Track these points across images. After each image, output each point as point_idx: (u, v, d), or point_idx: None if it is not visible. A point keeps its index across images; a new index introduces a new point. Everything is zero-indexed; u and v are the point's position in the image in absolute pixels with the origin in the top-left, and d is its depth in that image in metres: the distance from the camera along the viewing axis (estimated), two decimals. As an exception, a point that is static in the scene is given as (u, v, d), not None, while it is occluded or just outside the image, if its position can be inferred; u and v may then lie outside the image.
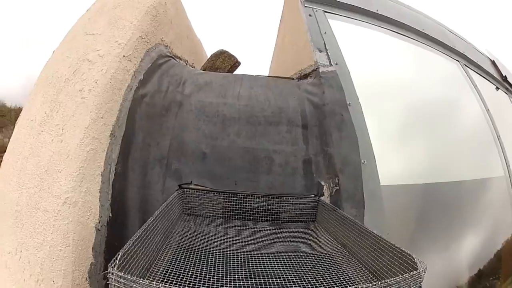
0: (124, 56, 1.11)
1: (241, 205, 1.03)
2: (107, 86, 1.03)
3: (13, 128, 1.08)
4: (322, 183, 1.09)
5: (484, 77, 2.62)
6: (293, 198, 1.05)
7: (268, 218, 1.05)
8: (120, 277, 0.49)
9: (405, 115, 1.77)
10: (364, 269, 0.73)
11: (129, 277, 0.49)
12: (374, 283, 0.53)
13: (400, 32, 2.07)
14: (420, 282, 0.56)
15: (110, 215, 1.00)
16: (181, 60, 1.40)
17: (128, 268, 0.57)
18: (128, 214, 1.01)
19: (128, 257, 0.57)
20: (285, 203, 1.05)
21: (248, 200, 1.03)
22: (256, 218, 1.04)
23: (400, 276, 0.55)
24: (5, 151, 1.04)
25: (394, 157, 1.51)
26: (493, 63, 2.84)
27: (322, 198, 1.08)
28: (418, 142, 1.72)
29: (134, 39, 1.15)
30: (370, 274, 0.71)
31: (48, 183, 0.91)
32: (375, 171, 1.21)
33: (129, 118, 1.11)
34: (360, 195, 1.13)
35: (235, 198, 1.03)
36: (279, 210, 1.05)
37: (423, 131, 1.77)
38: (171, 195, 0.98)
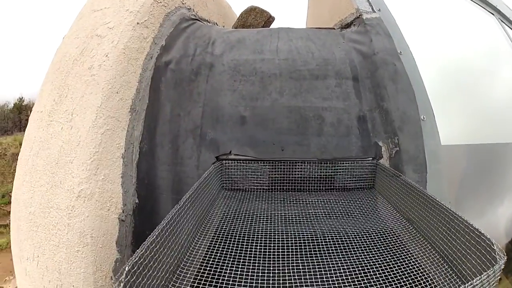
0: (138, 23, 0.90)
1: (289, 175, 0.81)
2: (120, 57, 0.83)
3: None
4: (380, 143, 0.85)
5: (519, 34, 2.24)
6: (348, 163, 0.82)
7: (321, 187, 0.82)
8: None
9: (448, 71, 1.47)
10: (433, 251, 0.54)
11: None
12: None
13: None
14: (499, 277, 0.39)
15: (137, 201, 0.81)
16: (209, 22, 1.17)
17: (142, 282, 0.39)
18: (159, 197, 0.81)
19: (141, 268, 0.39)
20: (340, 169, 0.82)
21: (298, 168, 0.80)
22: (307, 188, 0.82)
23: (484, 274, 0.38)
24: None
25: (445, 114, 1.24)
26: (522, 20, 2.43)
27: (380, 161, 0.85)
28: (463, 99, 1.43)
29: (148, 5, 0.94)
30: (440, 259, 0.52)
31: (60, 177, 0.74)
32: (435, 129, 0.96)
33: (153, 89, 0.90)
34: (422, 157, 0.88)
35: (282, 167, 0.80)
36: (333, 177, 0.82)
37: (468, 87, 1.48)
38: (206, 170, 0.77)
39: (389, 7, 1.21)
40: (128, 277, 0.36)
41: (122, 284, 0.35)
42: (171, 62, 0.94)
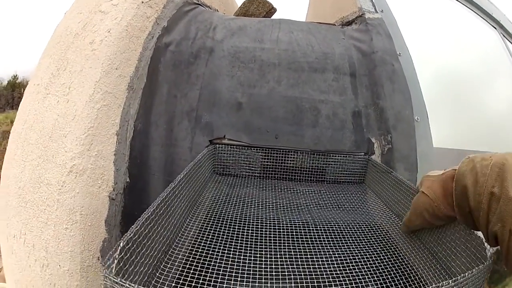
0: (142, 2, 0.91)
1: (282, 163, 0.84)
2: (123, 34, 0.84)
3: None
4: (373, 140, 0.89)
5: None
6: (341, 156, 0.86)
7: (312, 178, 0.85)
8: (116, 283, 0.32)
9: (443, 77, 1.53)
10: (422, 247, 0.56)
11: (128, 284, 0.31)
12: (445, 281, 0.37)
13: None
14: (488, 273, 0.41)
15: (128, 180, 0.82)
16: (210, 8, 1.20)
17: (136, 260, 0.39)
18: (150, 177, 0.83)
19: (135, 245, 0.40)
20: (332, 161, 0.85)
21: (291, 157, 0.83)
22: (298, 178, 0.85)
23: (473, 270, 0.39)
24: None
25: (438, 118, 1.29)
26: (526, 36, 2.52)
27: (372, 157, 0.89)
28: (457, 105, 1.49)
29: None
30: (429, 255, 0.54)
31: (52, 151, 0.74)
32: (428, 130, 1.01)
33: (151, 69, 0.92)
34: (414, 156, 0.92)
35: (275, 155, 0.83)
36: (325, 169, 0.86)
37: (463, 95, 1.54)
38: (200, 153, 0.80)
39: (392, 9, 1.26)
40: (122, 254, 0.36)
41: (116, 261, 0.35)
42: (171, 43, 0.96)
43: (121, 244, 0.36)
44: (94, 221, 0.74)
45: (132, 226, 0.41)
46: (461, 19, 1.86)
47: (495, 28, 2.15)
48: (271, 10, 1.30)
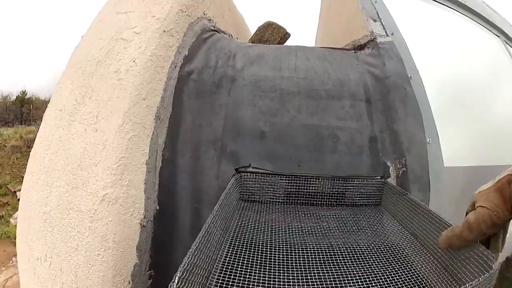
0: (164, 31, 0.95)
1: (304, 189, 0.89)
2: (148, 64, 0.87)
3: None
4: (389, 163, 0.95)
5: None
6: (359, 180, 0.91)
7: (332, 203, 0.91)
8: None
9: (450, 92, 1.59)
10: (436, 262, 0.62)
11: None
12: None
13: (440, 2, 1.87)
14: (493, 283, 0.46)
15: (157, 207, 0.87)
16: (225, 34, 1.26)
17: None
18: (178, 204, 0.87)
19: (187, 274, 0.44)
20: (351, 186, 0.91)
21: (313, 183, 0.89)
22: (320, 202, 0.90)
23: (480, 278, 0.45)
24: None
25: (448, 136, 1.34)
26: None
27: (388, 180, 0.94)
28: (466, 122, 1.55)
29: (173, 13, 0.99)
30: (442, 269, 0.59)
31: (82, 179, 0.77)
32: (439, 151, 1.07)
33: (176, 98, 0.96)
34: (426, 177, 0.98)
35: (298, 182, 0.88)
36: (344, 194, 0.91)
37: (472, 110, 1.59)
38: (226, 181, 0.84)
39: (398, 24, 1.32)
40: (180, 284, 0.41)
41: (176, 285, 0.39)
42: (193, 72, 1.01)
43: (179, 275, 0.41)
44: (127, 247, 0.78)
45: (185, 258, 0.45)
46: (464, 31, 1.92)
47: (498, 36, 2.20)
48: (285, 36, 1.36)
